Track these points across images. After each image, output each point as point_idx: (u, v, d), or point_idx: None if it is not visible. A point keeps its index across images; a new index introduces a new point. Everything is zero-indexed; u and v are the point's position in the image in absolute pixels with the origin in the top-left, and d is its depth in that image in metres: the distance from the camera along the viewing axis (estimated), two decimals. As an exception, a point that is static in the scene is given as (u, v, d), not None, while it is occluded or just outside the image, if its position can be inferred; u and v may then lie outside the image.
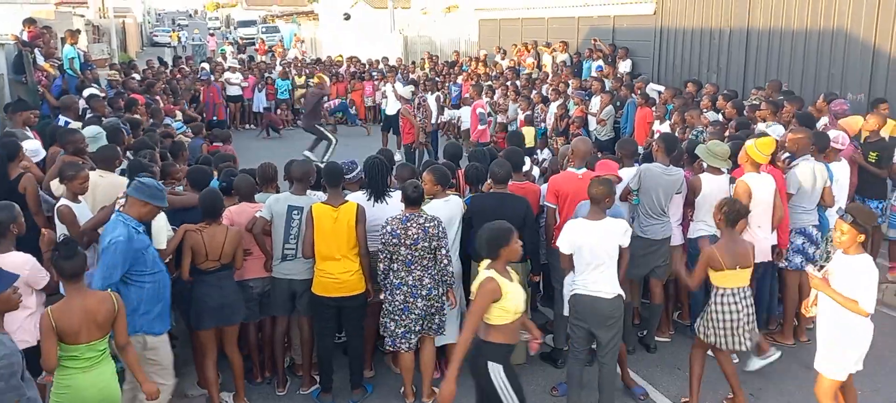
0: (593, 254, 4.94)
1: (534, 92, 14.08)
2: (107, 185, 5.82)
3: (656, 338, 6.57)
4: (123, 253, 4.58)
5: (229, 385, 5.69)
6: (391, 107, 15.34)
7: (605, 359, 5.14)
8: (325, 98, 16.21)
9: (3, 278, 3.66)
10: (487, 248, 4.22)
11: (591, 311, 5.01)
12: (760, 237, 5.99)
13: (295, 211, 5.49)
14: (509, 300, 4.12)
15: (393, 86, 15.52)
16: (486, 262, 4.29)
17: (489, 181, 5.99)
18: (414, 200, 5.30)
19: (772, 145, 5.97)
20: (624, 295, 5.11)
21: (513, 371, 4.24)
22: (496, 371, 4.16)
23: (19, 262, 4.52)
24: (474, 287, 4.20)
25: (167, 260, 5.29)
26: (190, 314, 5.43)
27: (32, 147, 7.25)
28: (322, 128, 14.32)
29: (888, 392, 5.77)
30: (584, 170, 6.05)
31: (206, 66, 21.11)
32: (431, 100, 14.73)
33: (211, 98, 16.99)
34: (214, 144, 10.36)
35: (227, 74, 19.20)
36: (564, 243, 5.07)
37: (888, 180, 7.64)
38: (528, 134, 12.28)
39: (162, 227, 5.17)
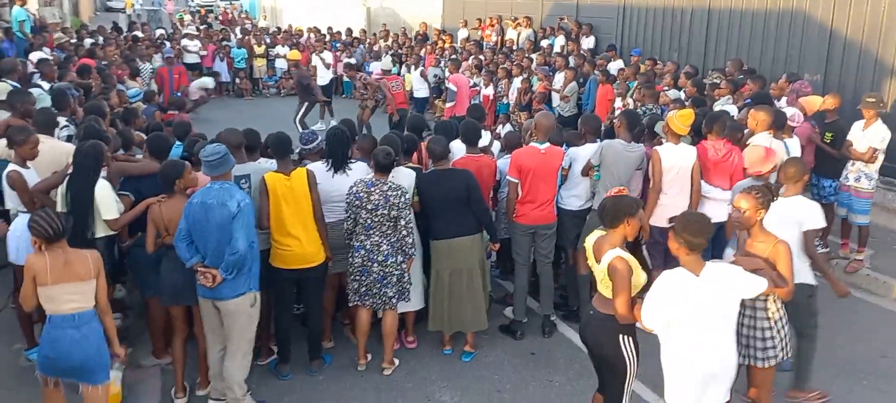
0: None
1: (501, 66, 14.01)
2: (47, 150, 5.62)
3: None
4: (253, 211, 4.73)
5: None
6: (322, 77, 16.08)
7: None
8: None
9: None
10: (611, 216, 4.16)
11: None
12: (666, 203, 6.15)
13: (242, 180, 5.33)
14: (637, 275, 4.13)
15: (320, 57, 16.50)
16: (595, 235, 4.28)
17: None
18: (384, 166, 5.32)
19: (690, 117, 6.12)
20: None
21: (637, 342, 4.27)
22: (627, 343, 4.20)
23: None
24: (603, 267, 4.11)
25: (119, 230, 5.14)
26: (148, 287, 5.31)
27: None
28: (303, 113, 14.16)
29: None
30: (547, 144, 6.06)
31: (161, 31, 20.58)
32: (386, 61, 14.85)
33: (174, 80, 14.47)
34: (169, 112, 10.11)
35: (184, 41, 18.75)
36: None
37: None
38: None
39: (107, 196, 4.99)
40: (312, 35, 21.56)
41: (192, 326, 5.20)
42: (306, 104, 14.13)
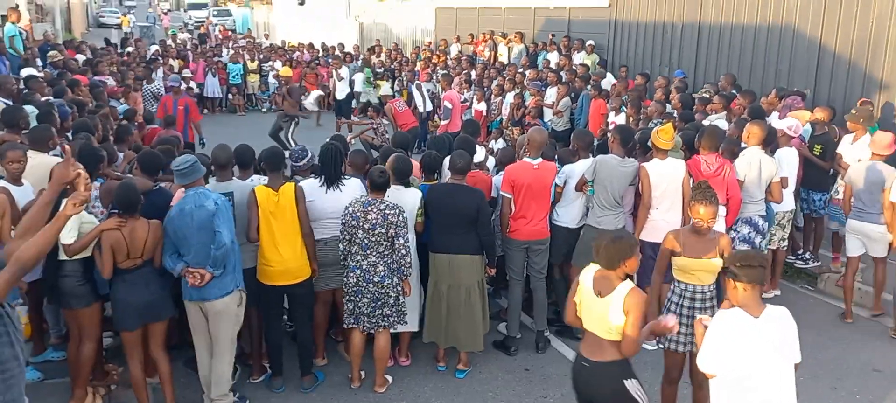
0: None
1: (494, 82, 14.04)
2: (37, 166, 5.57)
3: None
4: (230, 209, 4.88)
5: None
6: (341, 91, 16.60)
7: None
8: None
9: None
10: (607, 261, 3.89)
11: None
12: (657, 218, 6.16)
13: (226, 197, 5.24)
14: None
15: (337, 73, 16.89)
16: (591, 270, 4.02)
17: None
18: (380, 186, 5.31)
19: (670, 131, 6.18)
20: None
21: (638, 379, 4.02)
22: (636, 387, 3.95)
23: None
24: (620, 298, 3.82)
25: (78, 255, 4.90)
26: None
27: None
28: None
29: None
30: (540, 159, 6.07)
31: (155, 47, 20.53)
32: (386, 88, 14.80)
33: (179, 111, 11.31)
34: (154, 127, 9.92)
35: (186, 73, 18.60)
36: None
37: (834, 172, 7.88)
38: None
39: (74, 222, 4.76)
40: (306, 51, 21.62)
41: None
42: (296, 121, 14.18)
